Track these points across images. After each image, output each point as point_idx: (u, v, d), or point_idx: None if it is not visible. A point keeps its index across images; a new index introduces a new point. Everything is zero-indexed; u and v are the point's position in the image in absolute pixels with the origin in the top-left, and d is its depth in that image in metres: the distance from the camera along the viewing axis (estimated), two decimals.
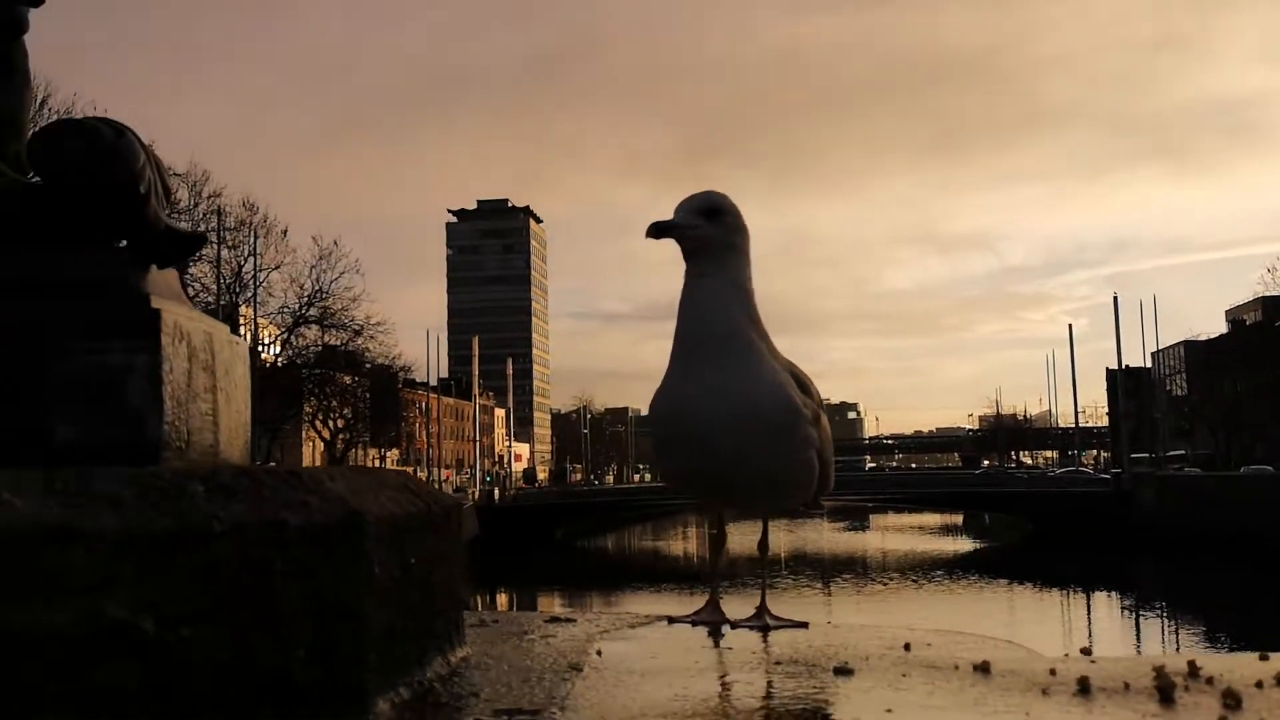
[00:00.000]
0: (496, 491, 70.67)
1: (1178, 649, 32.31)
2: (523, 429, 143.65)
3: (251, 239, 42.95)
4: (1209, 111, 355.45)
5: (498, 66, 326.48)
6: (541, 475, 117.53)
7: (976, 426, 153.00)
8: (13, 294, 2.04)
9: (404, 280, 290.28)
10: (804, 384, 2.72)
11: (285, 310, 46.48)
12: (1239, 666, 2.07)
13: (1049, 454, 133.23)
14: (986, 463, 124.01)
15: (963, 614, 37.02)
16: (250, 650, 1.65)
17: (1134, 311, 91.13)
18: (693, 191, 2.73)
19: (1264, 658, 2.17)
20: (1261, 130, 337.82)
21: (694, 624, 2.94)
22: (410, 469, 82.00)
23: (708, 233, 2.65)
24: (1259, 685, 1.91)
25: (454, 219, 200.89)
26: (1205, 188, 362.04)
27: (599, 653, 2.47)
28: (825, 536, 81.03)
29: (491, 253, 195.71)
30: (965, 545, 72.83)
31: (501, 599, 47.94)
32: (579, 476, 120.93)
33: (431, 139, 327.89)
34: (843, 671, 2.18)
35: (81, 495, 1.59)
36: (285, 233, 45.26)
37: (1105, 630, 36.48)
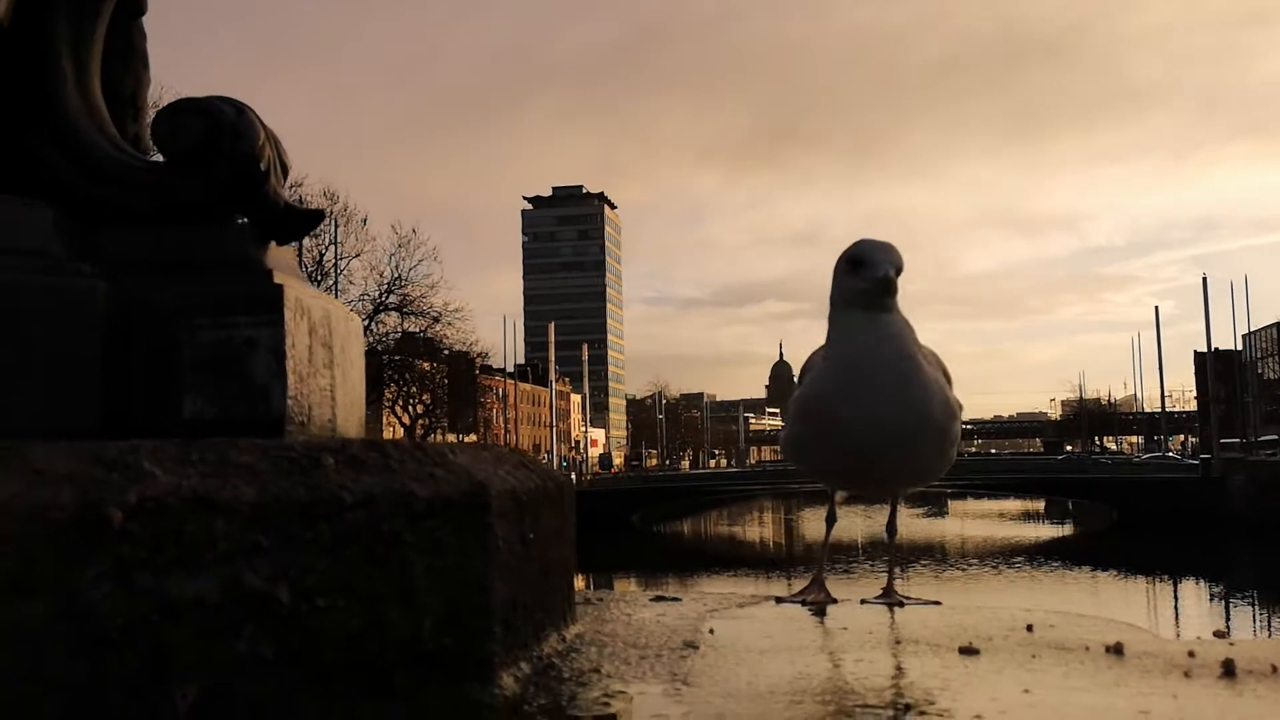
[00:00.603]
0: (573, 477, 71.23)
1: (1270, 638, 31.38)
2: (598, 414, 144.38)
3: (332, 227, 43.67)
4: None
5: (574, 56, 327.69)
6: (617, 460, 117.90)
7: (1059, 411, 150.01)
8: (141, 272, 2.07)
9: (481, 267, 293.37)
10: (949, 378, 2.87)
11: (365, 298, 47.21)
12: None
13: (1134, 439, 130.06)
14: (1069, 448, 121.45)
15: (1047, 601, 36.37)
16: (381, 620, 1.66)
17: (1223, 293, 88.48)
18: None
19: None
20: None
21: (803, 603, 2.91)
22: None
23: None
24: None
25: (529, 206, 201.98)
26: None
27: (712, 631, 2.44)
28: (904, 522, 79.48)
29: (567, 239, 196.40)
30: (1047, 532, 71.51)
31: (579, 583, 48.27)
32: (654, 462, 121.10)
33: (508, 128, 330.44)
34: (968, 651, 2.13)
35: (219, 466, 1.60)
36: (365, 221, 46.01)
37: (1195, 618, 35.57)
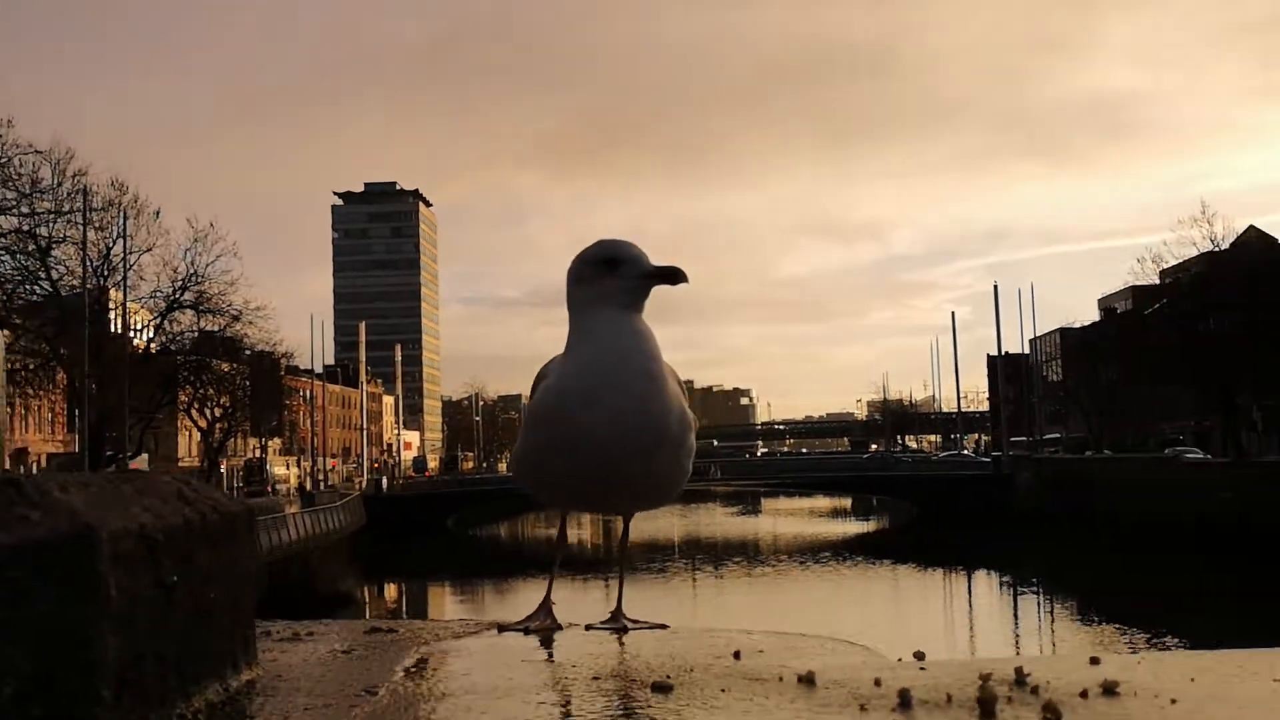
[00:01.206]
0: (385, 480, 69.51)
1: (1053, 628, 33.46)
2: (413, 417, 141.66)
3: (121, 220, 41.26)
4: (1084, 110, 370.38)
5: (393, 51, 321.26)
6: (432, 463, 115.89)
7: (865, 412, 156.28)
8: None
9: (289, 265, 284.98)
10: (684, 391, 2.74)
11: (158, 294, 44.89)
12: (1069, 672, 1.98)
13: (933, 438, 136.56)
14: (875, 447, 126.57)
15: (845, 598, 37.82)
16: None
17: (1013, 300, 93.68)
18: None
19: (1095, 661, 2.08)
20: (1132, 128, 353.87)
21: (526, 632, 2.76)
22: (293, 458, 80.00)
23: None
24: (1083, 695, 1.81)
25: (340, 202, 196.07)
26: (1080, 182, 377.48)
27: (406, 671, 2.27)
28: (718, 521, 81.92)
29: (379, 236, 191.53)
30: (853, 528, 74.42)
31: (390, 590, 47.24)
32: (471, 464, 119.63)
33: (321, 123, 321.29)
34: (660, 688, 2.03)
35: None
36: (158, 214, 43.69)
37: (985, 610, 37.60)
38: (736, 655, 2.32)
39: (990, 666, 1.98)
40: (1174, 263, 58.55)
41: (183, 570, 1.89)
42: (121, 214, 41.05)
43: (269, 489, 65.77)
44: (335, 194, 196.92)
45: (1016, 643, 30.12)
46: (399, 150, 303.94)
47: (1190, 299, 58.21)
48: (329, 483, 71.10)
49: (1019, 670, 1.95)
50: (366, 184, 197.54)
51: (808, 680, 2.03)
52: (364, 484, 65.87)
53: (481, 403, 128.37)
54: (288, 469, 79.41)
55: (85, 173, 39.41)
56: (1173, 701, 1.75)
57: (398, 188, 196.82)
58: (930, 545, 53.94)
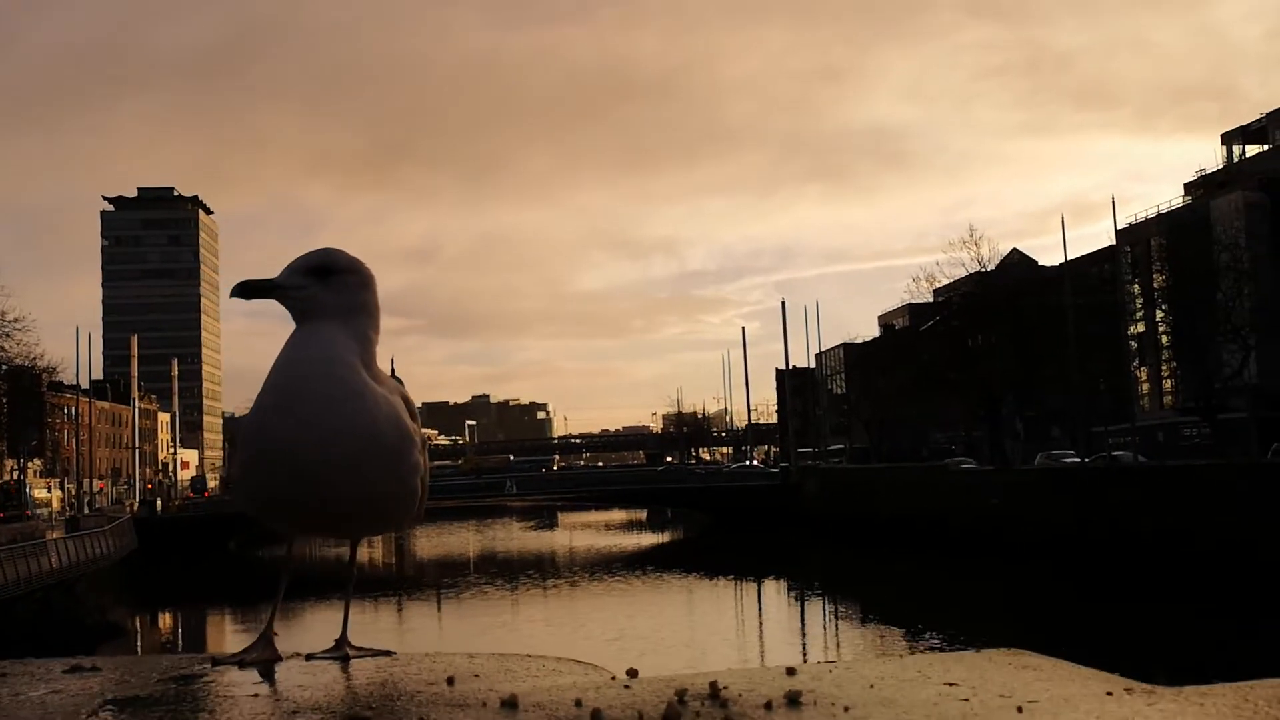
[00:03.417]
0: (160, 501, 65.73)
1: (838, 629, 34.80)
2: (191, 434, 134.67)
3: None
4: (864, 139, 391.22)
5: (171, 54, 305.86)
6: (213, 483, 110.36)
7: (660, 425, 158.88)
8: None
9: (52, 273, 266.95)
10: (413, 412, 2.65)
11: None
12: (762, 684, 2.03)
13: (726, 450, 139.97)
14: (670, 459, 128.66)
15: (631, 610, 38.21)
16: None
17: (801, 316, 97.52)
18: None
19: (791, 672, 2.14)
20: (909, 158, 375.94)
21: (241, 665, 2.63)
22: (56, 480, 74.71)
23: (313, 293, 2.55)
24: (768, 706, 1.86)
25: (110, 207, 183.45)
26: (861, 206, 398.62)
27: (88, 714, 2.12)
28: (514, 536, 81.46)
29: (155, 244, 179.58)
30: (649, 539, 75.42)
31: (165, 619, 44.64)
32: None
33: (91, 126, 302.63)
34: None
35: None
36: None
37: (768, 615, 38.78)
38: (450, 681, 2.27)
39: (691, 681, 2.02)
40: (946, 282, 62.17)
41: None
42: None
43: (27, 513, 61.29)
44: (105, 199, 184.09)
45: (804, 646, 31.18)
46: (177, 156, 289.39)
47: (960, 316, 62.06)
48: (96, 505, 66.76)
49: (713, 685, 1.98)
50: (140, 189, 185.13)
51: (510, 704, 2.01)
52: (135, 506, 62.17)
53: None
54: (50, 492, 74.00)
55: None
56: (846, 709, 1.82)
57: (175, 194, 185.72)
58: (722, 554, 55.30)
